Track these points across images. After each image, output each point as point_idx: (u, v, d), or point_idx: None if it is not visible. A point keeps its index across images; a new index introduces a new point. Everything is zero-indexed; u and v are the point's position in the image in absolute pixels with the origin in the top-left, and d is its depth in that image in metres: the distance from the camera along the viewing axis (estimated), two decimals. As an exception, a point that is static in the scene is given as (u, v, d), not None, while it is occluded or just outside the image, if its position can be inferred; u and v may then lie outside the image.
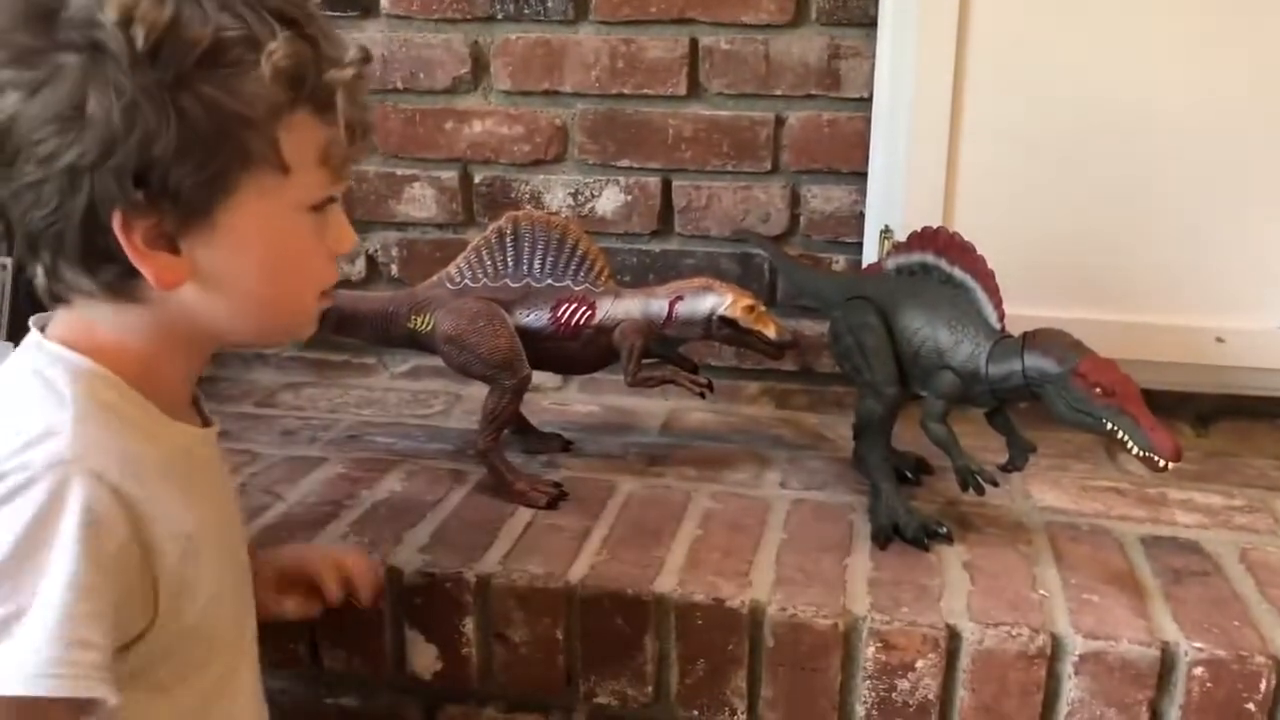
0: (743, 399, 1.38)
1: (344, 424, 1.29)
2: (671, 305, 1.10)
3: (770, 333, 1.09)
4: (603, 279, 1.12)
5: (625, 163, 1.34)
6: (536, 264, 1.11)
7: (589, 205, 1.36)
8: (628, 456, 1.21)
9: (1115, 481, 1.16)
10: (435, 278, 1.13)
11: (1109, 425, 0.89)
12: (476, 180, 1.37)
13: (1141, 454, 0.87)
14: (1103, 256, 1.21)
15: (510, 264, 1.11)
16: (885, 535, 1.00)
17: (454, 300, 1.10)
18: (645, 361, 1.11)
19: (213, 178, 0.64)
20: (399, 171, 1.39)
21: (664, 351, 1.15)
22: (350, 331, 1.15)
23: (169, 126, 0.61)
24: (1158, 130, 1.18)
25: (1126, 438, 0.88)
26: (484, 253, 1.12)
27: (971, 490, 0.97)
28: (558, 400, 1.39)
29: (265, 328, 0.74)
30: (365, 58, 0.69)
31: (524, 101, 1.34)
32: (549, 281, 1.11)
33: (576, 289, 1.11)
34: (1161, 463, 0.86)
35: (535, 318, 1.10)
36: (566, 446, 1.22)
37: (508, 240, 1.11)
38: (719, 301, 1.09)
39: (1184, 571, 0.97)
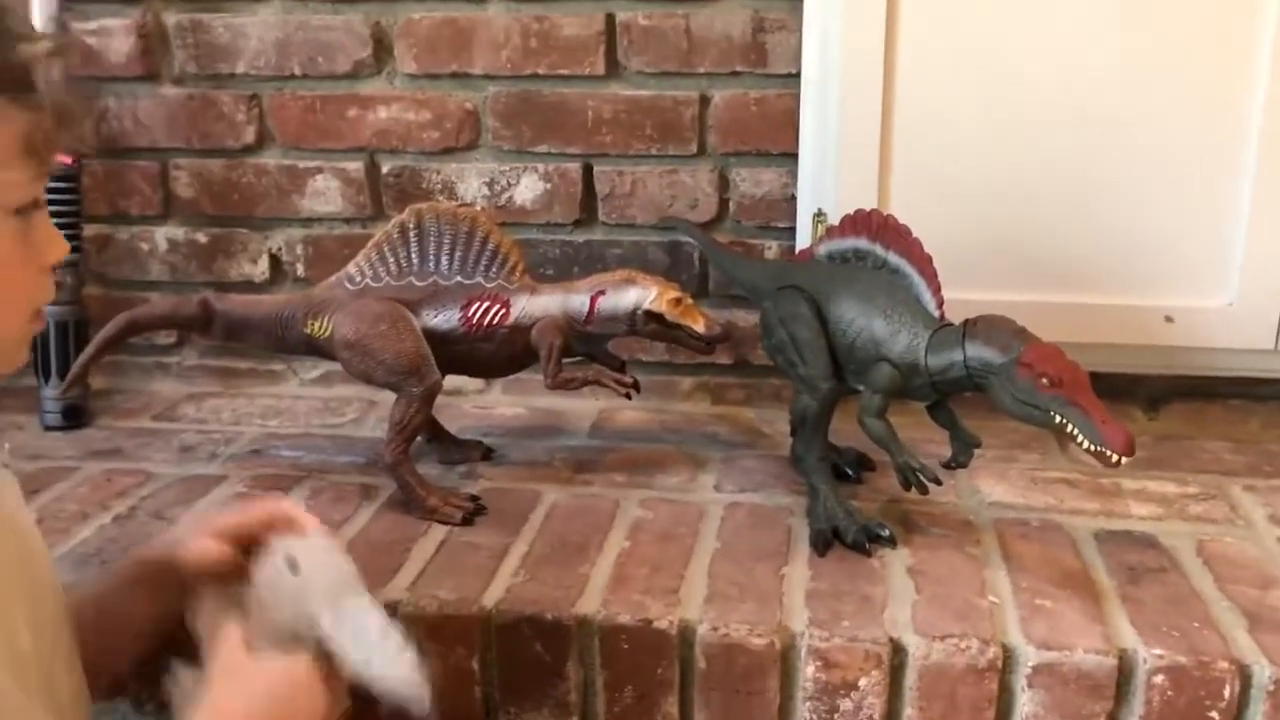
0: (677, 395, 1.31)
1: (247, 437, 1.20)
2: (593, 301, 1.03)
3: (699, 327, 1.03)
4: (517, 274, 1.04)
5: (543, 148, 1.26)
6: (444, 260, 1.04)
7: (506, 195, 1.28)
8: (554, 462, 1.13)
9: (1065, 472, 1.10)
10: (334, 278, 1.06)
11: (1057, 418, 0.83)
12: (384, 170, 1.29)
13: (1092, 448, 0.81)
14: (1045, 236, 1.16)
15: (415, 261, 1.04)
16: (824, 540, 0.94)
17: (354, 302, 1.02)
18: (567, 361, 1.05)
19: None
20: (300, 164, 1.30)
21: (587, 349, 1.08)
22: (241, 338, 1.07)
23: None
24: (1100, 102, 1.13)
25: (1076, 431, 0.82)
26: (385, 249, 1.04)
27: (914, 489, 0.91)
28: (480, 404, 1.31)
29: None
30: (64, 35, 0.61)
31: (431, 85, 1.26)
32: (458, 279, 1.04)
33: (488, 286, 1.03)
34: (1114, 457, 0.81)
35: (444, 318, 1.03)
36: (487, 454, 1.14)
37: (411, 235, 1.04)
38: (643, 295, 1.03)
39: (1140, 569, 0.91)
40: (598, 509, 1.02)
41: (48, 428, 1.22)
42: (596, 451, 1.16)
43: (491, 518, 1.00)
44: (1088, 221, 1.15)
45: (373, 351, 1.00)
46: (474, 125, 1.26)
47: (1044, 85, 1.13)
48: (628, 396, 1.06)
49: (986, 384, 0.88)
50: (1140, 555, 0.93)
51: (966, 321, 0.90)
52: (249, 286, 1.33)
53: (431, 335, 1.02)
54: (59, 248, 0.64)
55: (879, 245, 0.95)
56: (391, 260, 1.04)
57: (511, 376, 1.28)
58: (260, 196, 1.30)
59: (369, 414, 1.26)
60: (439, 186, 1.28)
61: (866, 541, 0.93)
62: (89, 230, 1.29)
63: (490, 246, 1.04)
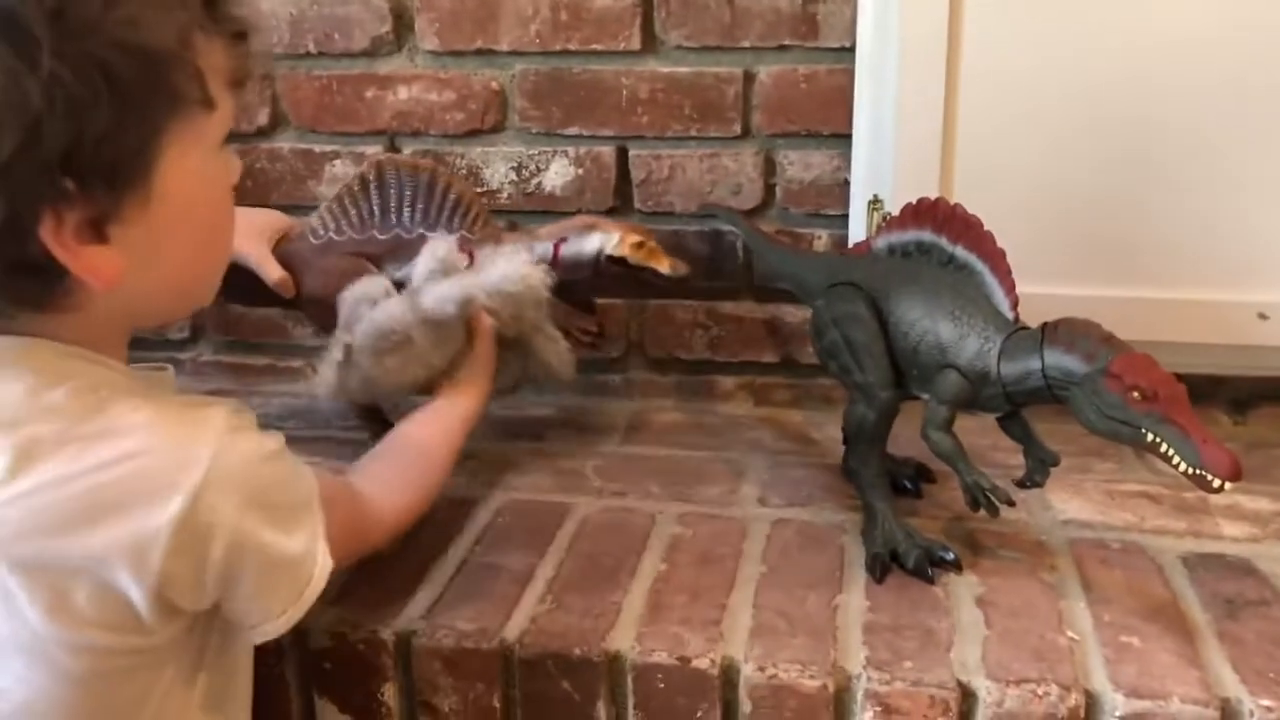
0: (717, 395, 1.23)
1: (261, 440, 1.13)
2: (556, 248, 1.03)
3: (663, 268, 1.03)
4: (480, 224, 1.04)
5: (574, 130, 1.17)
6: (406, 212, 1.03)
7: (535, 180, 1.19)
8: (585, 470, 1.05)
9: (1146, 484, 1.01)
10: (297, 230, 1.06)
11: (1150, 437, 0.73)
12: (406, 154, 1.20)
13: (1192, 472, 0.72)
14: (1126, 226, 1.05)
15: (377, 213, 1.04)
16: (882, 565, 0.85)
17: (318, 257, 1.03)
18: None
19: (146, 137, 0.56)
20: (317, 148, 1.22)
21: (556, 296, 1.04)
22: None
23: (98, 90, 0.52)
24: (1188, 78, 1.02)
25: (1172, 452, 0.72)
26: (347, 202, 1.04)
27: (983, 510, 0.82)
28: (506, 404, 1.23)
29: (189, 299, 0.69)
30: None
31: (455, 63, 1.17)
32: (420, 231, 1.03)
33: (452, 237, 1.02)
34: (1216, 483, 0.71)
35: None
36: None
37: (372, 187, 1.03)
38: (605, 240, 1.02)
39: (1238, 601, 0.81)
40: (631, 525, 0.94)
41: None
42: (630, 459, 1.08)
43: (516, 534, 0.92)
44: (1174, 209, 1.05)
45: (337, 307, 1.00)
46: (500, 106, 1.18)
47: (1126, 58, 1.02)
48: (592, 346, 1.08)
49: (1068, 396, 0.78)
50: (1237, 584, 0.84)
51: (1045, 325, 0.80)
52: (264, 278, 1.26)
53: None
54: (237, 169, 0.68)
55: (945, 238, 0.86)
56: (354, 213, 1.04)
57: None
58: (275, 182, 1.23)
59: (392, 416, 1.19)
60: (464, 172, 1.19)
61: (929, 567, 0.84)
62: (96, 219, 1.22)
63: (452, 197, 1.03)
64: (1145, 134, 1.04)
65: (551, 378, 1.03)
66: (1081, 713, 0.71)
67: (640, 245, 1.02)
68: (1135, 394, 0.73)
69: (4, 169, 0.52)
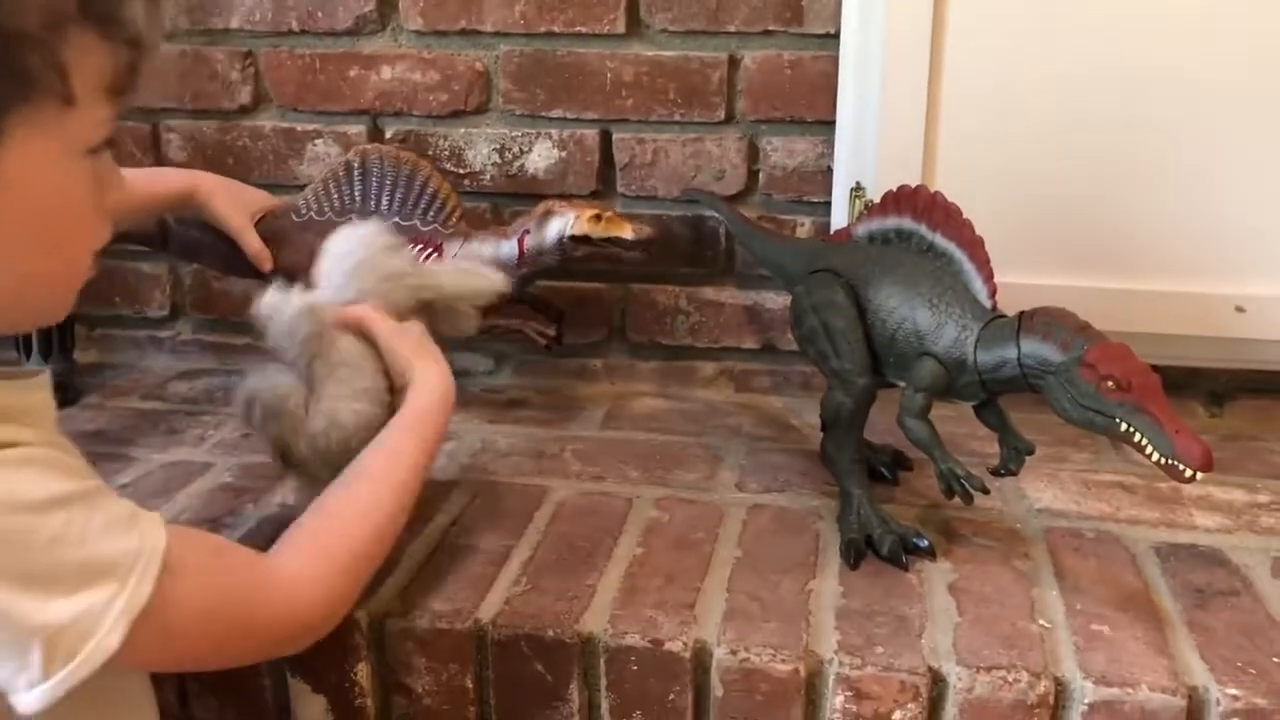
0: (697, 381, 1.23)
1: (239, 421, 1.13)
2: (520, 243, 1.04)
3: (627, 234, 1.04)
4: (453, 220, 1.07)
5: (558, 113, 1.17)
6: (385, 200, 1.07)
7: (517, 163, 1.19)
8: (563, 454, 1.05)
9: (1121, 474, 1.01)
10: (281, 207, 1.09)
11: (1124, 426, 0.74)
12: (388, 135, 1.20)
13: (1164, 461, 0.72)
14: (1105, 217, 1.06)
15: (358, 199, 1.08)
16: (856, 551, 0.85)
17: (297, 233, 1.06)
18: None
19: None
20: (299, 126, 1.21)
21: (522, 292, 1.07)
22: (195, 258, 1.15)
23: None
24: (1167, 70, 1.02)
25: (1145, 442, 0.73)
26: (331, 185, 1.08)
27: (957, 498, 0.82)
28: (489, 386, 1.23)
29: (26, 309, 0.61)
30: None
31: (439, 43, 1.17)
32: (396, 220, 1.07)
33: (424, 229, 1.06)
34: (1188, 473, 0.71)
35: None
36: None
37: (355, 174, 1.08)
38: (564, 223, 1.03)
39: (1208, 591, 0.82)
40: (609, 509, 0.94)
41: (30, 406, 1.14)
42: (609, 443, 1.08)
43: (492, 516, 0.92)
44: (1153, 201, 1.05)
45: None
46: (484, 87, 1.17)
47: (1108, 50, 1.02)
48: (547, 348, 1.11)
49: (1043, 384, 0.78)
50: (1208, 574, 0.84)
51: (1022, 314, 0.80)
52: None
53: None
54: (119, 184, 0.62)
55: (925, 226, 0.86)
56: (335, 196, 1.08)
57: (523, 358, 1.23)
58: (256, 161, 1.22)
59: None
60: (446, 153, 1.19)
61: (903, 554, 0.84)
62: (75, 195, 1.21)
63: (429, 191, 1.07)
64: (1126, 126, 1.04)
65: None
66: (1051, 700, 0.72)
67: (598, 218, 1.03)
68: (1109, 383, 0.74)
69: None
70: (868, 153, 1.08)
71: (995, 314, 0.82)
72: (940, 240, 0.85)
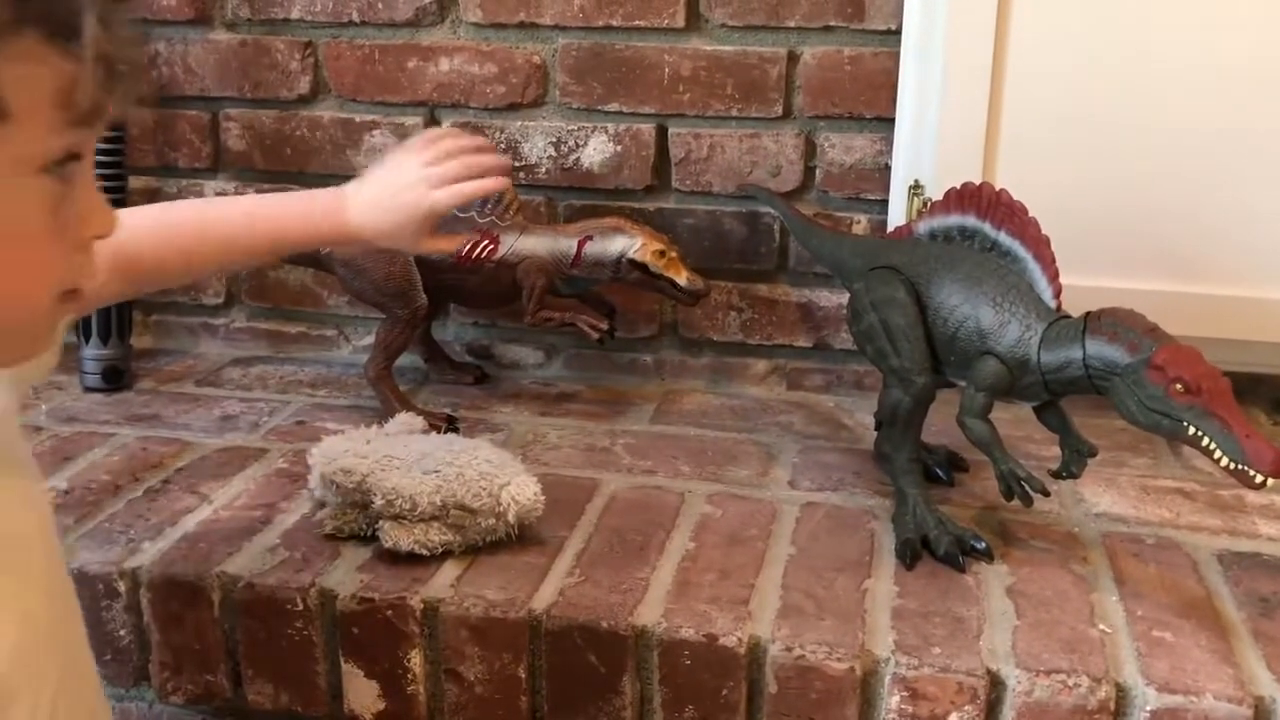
0: (749, 378, 1.22)
1: (293, 407, 1.14)
2: (580, 245, 1.06)
3: (681, 280, 1.06)
4: (510, 213, 1.08)
5: (614, 107, 1.16)
6: None
7: (573, 156, 1.19)
8: (614, 447, 1.05)
9: (1181, 480, 0.99)
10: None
11: (1191, 429, 0.72)
12: (445, 127, 1.20)
13: (1233, 466, 0.71)
14: (1171, 219, 1.04)
15: None
16: (912, 551, 0.84)
17: None
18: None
19: None
20: (357, 117, 1.22)
21: (572, 291, 1.10)
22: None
23: None
24: (1237, 68, 1.00)
25: (1214, 446, 0.71)
26: None
27: (1017, 499, 0.81)
28: (539, 379, 1.23)
29: None
30: None
31: (497, 36, 1.17)
32: (454, 212, 1.03)
33: (481, 221, 1.07)
34: (1258, 478, 0.70)
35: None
36: (481, 378, 1.20)
37: None
38: (629, 244, 1.06)
39: (1274, 600, 0.80)
40: (661, 503, 0.94)
41: (87, 389, 1.16)
42: (660, 437, 1.08)
43: (545, 508, 0.91)
44: (1218, 204, 1.03)
45: (365, 271, 1.06)
46: (541, 80, 1.17)
47: (1178, 45, 1.00)
48: (599, 342, 1.09)
49: (1108, 386, 0.77)
50: (1273, 584, 0.83)
51: (1088, 314, 0.79)
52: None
53: (422, 263, 1.07)
54: (101, 222, 0.53)
55: (989, 224, 0.85)
56: None
57: (573, 351, 1.23)
58: (314, 151, 1.23)
59: (422, 389, 1.19)
60: (502, 146, 1.19)
61: (960, 555, 0.83)
62: (135, 183, 1.23)
63: None
64: (1192, 128, 1.02)
65: None
66: (1112, 705, 0.70)
67: (662, 254, 1.06)
68: (1178, 386, 0.72)
69: None
70: (927, 150, 1.07)
71: (1060, 314, 0.81)
72: (1004, 238, 0.84)
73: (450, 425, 1.06)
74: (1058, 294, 0.81)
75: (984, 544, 0.84)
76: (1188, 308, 1.00)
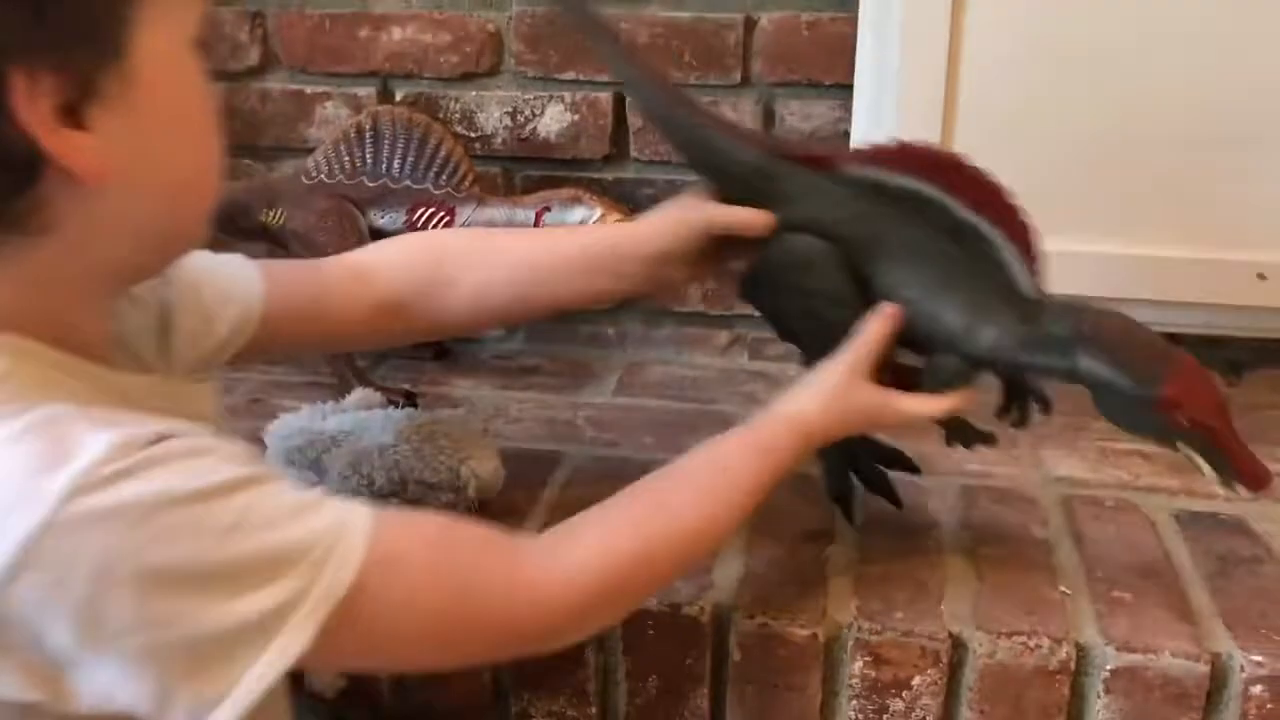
0: (712, 349, 1.22)
1: (249, 385, 1.12)
2: (538, 216, 1.04)
3: None
4: (466, 184, 1.06)
5: (570, 75, 1.15)
6: (396, 163, 1.06)
7: (529, 126, 1.17)
8: (577, 420, 1.04)
9: (1140, 443, 0.99)
10: (292, 170, 1.09)
11: (1185, 451, 0.71)
12: (398, 97, 1.18)
13: (1222, 484, 0.70)
14: (1126, 182, 1.04)
15: (369, 161, 1.06)
16: (842, 487, 0.82)
17: (306, 196, 1.06)
18: None
19: None
20: (308, 89, 1.19)
21: None
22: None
23: None
24: (1190, 29, 1.00)
25: (1204, 465, 0.70)
26: (342, 147, 1.07)
27: (959, 445, 0.79)
28: (500, 352, 1.22)
29: (179, 231, 0.56)
30: None
31: (450, 4, 1.15)
32: (407, 183, 1.06)
33: (436, 193, 1.06)
34: (1243, 492, 0.70)
35: (390, 220, 1.06)
36: (441, 354, 1.19)
37: (367, 136, 1.06)
38: (588, 215, 1.04)
39: (1230, 558, 0.81)
40: (623, 474, 0.92)
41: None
42: (622, 409, 1.07)
43: (507, 481, 0.91)
44: (1173, 166, 1.03)
45: (317, 245, 1.02)
46: (496, 49, 1.16)
47: (1133, 9, 1.00)
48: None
49: (1099, 396, 0.71)
50: (1229, 542, 0.84)
51: (1080, 322, 0.70)
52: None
53: (376, 235, 1.04)
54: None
55: (959, 202, 0.73)
56: (346, 158, 1.06)
57: (534, 325, 1.22)
58: (265, 124, 1.21)
59: (380, 365, 1.18)
60: (457, 115, 1.17)
61: (885, 465, 0.83)
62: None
63: (442, 154, 1.05)
64: (1149, 89, 1.02)
65: None
66: (1072, 666, 0.71)
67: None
68: (1186, 421, 0.69)
69: None
70: (886, 116, 1.06)
71: (1040, 307, 0.72)
72: (975, 220, 0.73)
73: (409, 400, 1.04)
74: (1036, 276, 0.73)
75: (912, 462, 0.83)
76: (1141, 270, 1.01)
